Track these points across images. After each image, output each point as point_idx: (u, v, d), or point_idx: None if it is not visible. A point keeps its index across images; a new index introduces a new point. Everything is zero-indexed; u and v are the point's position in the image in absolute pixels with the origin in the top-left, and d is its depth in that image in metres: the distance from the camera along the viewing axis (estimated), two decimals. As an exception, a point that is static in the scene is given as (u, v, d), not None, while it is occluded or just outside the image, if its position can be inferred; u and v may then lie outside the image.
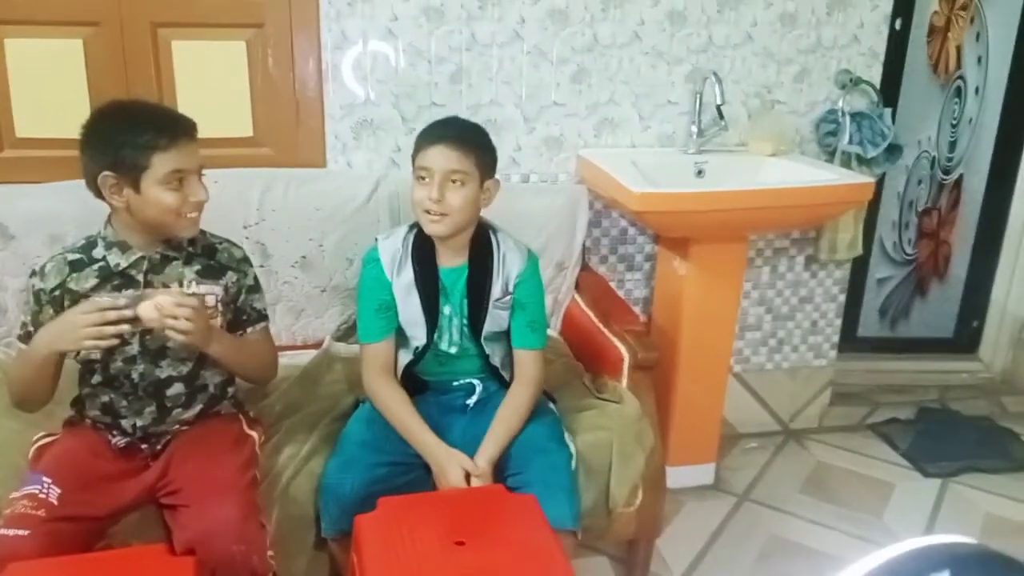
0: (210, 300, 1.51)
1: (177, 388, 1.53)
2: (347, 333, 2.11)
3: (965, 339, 3.07)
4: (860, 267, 2.81)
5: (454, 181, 1.59)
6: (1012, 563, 0.58)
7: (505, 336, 1.74)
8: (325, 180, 2.10)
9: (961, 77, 2.75)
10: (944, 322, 3.06)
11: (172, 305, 1.35)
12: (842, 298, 2.71)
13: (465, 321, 1.70)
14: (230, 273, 1.56)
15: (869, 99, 2.48)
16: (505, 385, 1.73)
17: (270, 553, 1.43)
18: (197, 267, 1.52)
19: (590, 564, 2.07)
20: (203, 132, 2.02)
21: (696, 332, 2.27)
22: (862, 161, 2.43)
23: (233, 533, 1.36)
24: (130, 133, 1.39)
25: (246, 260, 1.61)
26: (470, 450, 1.60)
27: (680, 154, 2.32)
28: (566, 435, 1.69)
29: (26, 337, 1.48)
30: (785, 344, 2.70)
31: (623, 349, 1.92)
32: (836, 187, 2.12)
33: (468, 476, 1.55)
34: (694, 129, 2.31)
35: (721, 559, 2.15)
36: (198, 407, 1.56)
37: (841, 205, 2.22)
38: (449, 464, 1.56)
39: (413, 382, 1.72)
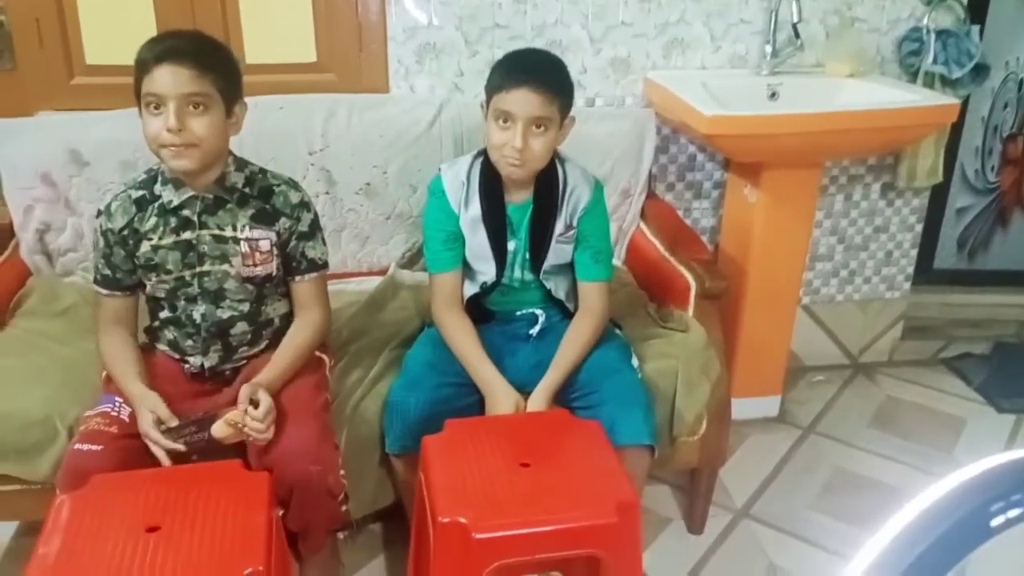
0: (264, 245, 1.49)
1: (241, 327, 1.53)
2: (411, 260, 2.11)
3: (1051, 271, 2.93)
4: (939, 196, 2.68)
5: (538, 127, 1.53)
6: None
7: (568, 268, 1.72)
8: (388, 106, 2.07)
9: (1058, -9, 2.56)
10: (1027, 254, 2.93)
11: (243, 418, 1.35)
12: (919, 228, 2.61)
13: (527, 256, 1.69)
14: (283, 219, 1.50)
15: (955, 16, 2.33)
16: (569, 316, 1.72)
17: (342, 472, 1.46)
18: (251, 211, 1.48)
19: (652, 492, 2.07)
20: (267, 58, 2.05)
21: (765, 262, 2.21)
22: (946, 82, 2.30)
23: (311, 453, 1.40)
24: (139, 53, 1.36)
25: (303, 205, 1.53)
26: (534, 377, 1.60)
27: (753, 76, 2.23)
28: (634, 359, 1.68)
29: (103, 281, 1.50)
30: (857, 275, 2.62)
31: (690, 278, 1.89)
32: (918, 109, 2.01)
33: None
34: (768, 49, 2.21)
35: (784, 490, 2.13)
36: (264, 343, 1.56)
37: (923, 128, 2.12)
38: (504, 402, 1.55)
39: (479, 311, 1.72)
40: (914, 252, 2.63)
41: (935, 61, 2.27)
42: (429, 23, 2.09)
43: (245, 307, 1.52)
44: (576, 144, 1.73)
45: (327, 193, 2.02)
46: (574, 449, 1.40)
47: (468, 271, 1.71)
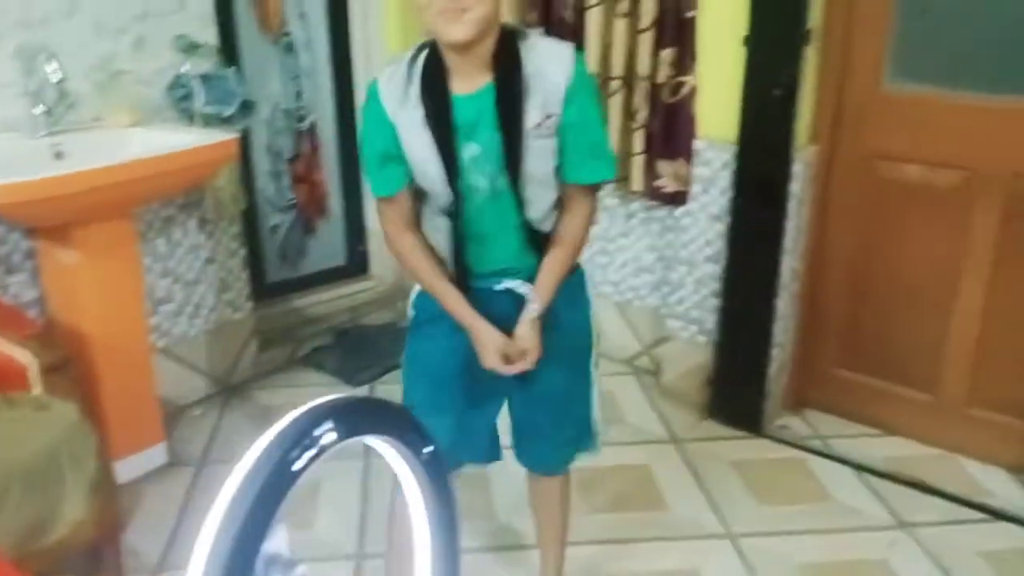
0: None
1: None
2: None
3: (356, 262, 3.50)
4: (251, 219, 2.98)
5: None
6: (375, 400, 0.74)
7: (551, 185, 1.44)
8: None
9: (289, 33, 3.03)
10: (336, 252, 3.44)
11: None
12: (243, 251, 2.85)
13: (501, 156, 1.38)
14: None
15: (213, 61, 2.59)
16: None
17: None
18: None
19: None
20: None
21: (103, 320, 2.19)
22: (221, 120, 2.55)
23: None
24: None
25: None
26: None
27: (30, 139, 2.15)
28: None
29: None
30: (202, 307, 2.75)
31: (25, 356, 1.78)
32: (201, 148, 2.21)
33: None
34: (39, 110, 2.16)
35: (194, 529, 2.16)
36: None
37: (211, 165, 2.33)
38: (487, 346, 1.45)
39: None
40: (245, 273, 2.88)
41: (206, 103, 2.50)
42: None
43: None
44: None
45: None
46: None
47: (435, 218, 1.48)
